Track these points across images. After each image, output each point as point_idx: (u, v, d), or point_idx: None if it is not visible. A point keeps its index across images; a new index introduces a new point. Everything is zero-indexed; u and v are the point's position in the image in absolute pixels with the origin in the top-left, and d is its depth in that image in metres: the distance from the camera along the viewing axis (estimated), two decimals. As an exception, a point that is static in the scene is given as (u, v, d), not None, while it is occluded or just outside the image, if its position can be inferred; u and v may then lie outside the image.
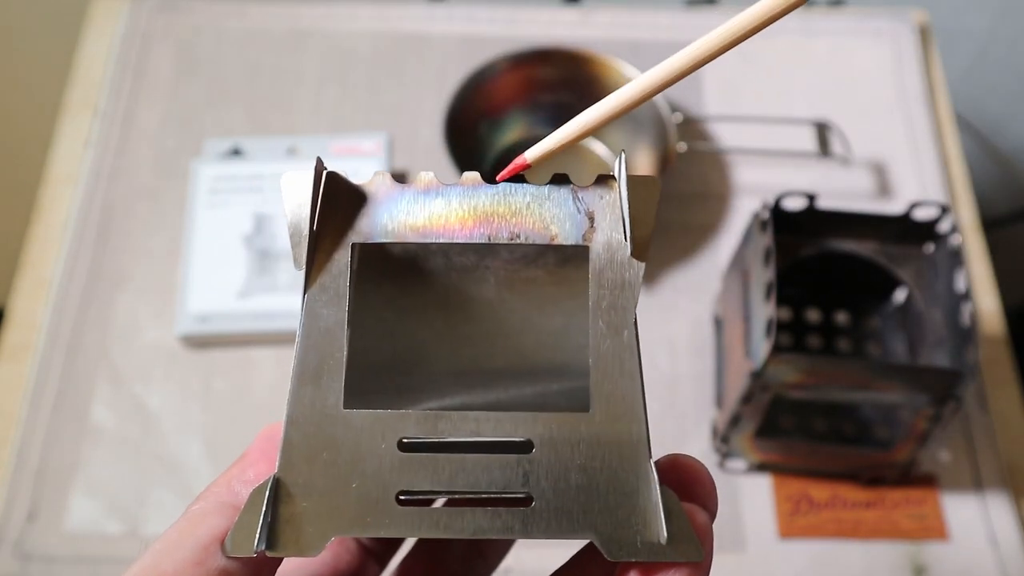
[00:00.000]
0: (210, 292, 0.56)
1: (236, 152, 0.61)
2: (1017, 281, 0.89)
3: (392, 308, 0.24)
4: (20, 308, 0.57)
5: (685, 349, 0.57)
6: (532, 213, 0.22)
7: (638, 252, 0.21)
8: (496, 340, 0.25)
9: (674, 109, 0.61)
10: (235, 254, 0.57)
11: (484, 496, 0.19)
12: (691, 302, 0.58)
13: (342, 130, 0.64)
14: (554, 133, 0.23)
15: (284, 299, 0.56)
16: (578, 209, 0.22)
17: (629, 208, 0.21)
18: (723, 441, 0.51)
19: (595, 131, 0.23)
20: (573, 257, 0.22)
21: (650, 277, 0.59)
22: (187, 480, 0.52)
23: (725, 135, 0.64)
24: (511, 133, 0.64)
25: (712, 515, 0.20)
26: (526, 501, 0.19)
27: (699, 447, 0.53)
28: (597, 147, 0.64)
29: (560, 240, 0.21)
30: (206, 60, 0.67)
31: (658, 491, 0.19)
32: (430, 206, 0.22)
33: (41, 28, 0.83)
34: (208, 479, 0.52)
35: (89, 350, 0.56)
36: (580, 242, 0.21)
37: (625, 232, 0.21)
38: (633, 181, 0.22)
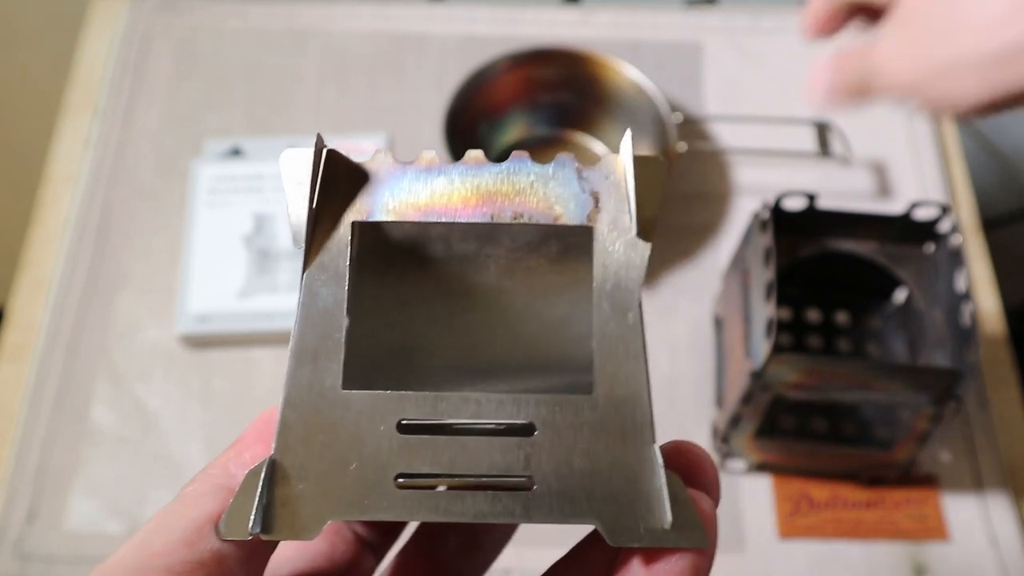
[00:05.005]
0: (210, 292, 0.56)
1: (236, 152, 0.61)
2: (1017, 281, 0.89)
3: (392, 297, 0.24)
4: (20, 308, 0.57)
5: (685, 349, 0.57)
6: (536, 192, 0.21)
7: (643, 232, 0.21)
8: (497, 329, 0.24)
9: (674, 109, 0.61)
10: (235, 254, 0.57)
11: (484, 479, 0.19)
12: (691, 302, 0.58)
13: (342, 130, 0.64)
14: None
15: (284, 299, 0.56)
16: (582, 189, 0.21)
17: (635, 188, 0.21)
18: (723, 441, 0.51)
19: None
20: (575, 246, 0.22)
21: (650, 277, 0.59)
22: (187, 480, 0.52)
23: (725, 135, 0.64)
24: (511, 133, 0.64)
25: (715, 503, 0.20)
26: (527, 485, 0.19)
27: (699, 447, 0.53)
28: (596, 146, 0.64)
29: (564, 220, 0.21)
30: (206, 60, 0.67)
31: (663, 476, 0.19)
32: (432, 184, 0.21)
33: (41, 28, 0.83)
34: (208, 479, 0.52)
35: (89, 350, 0.56)
36: (584, 222, 0.21)
37: (630, 212, 0.21)
38: (638, 161, 0.21)
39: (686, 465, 0.20)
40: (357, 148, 0.60)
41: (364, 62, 0.67)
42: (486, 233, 0.22)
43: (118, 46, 0.67)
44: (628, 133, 0.22)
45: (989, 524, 0.51)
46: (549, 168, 0.21)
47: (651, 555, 0.19)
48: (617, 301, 0.20)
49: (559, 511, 0.19)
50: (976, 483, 0.52)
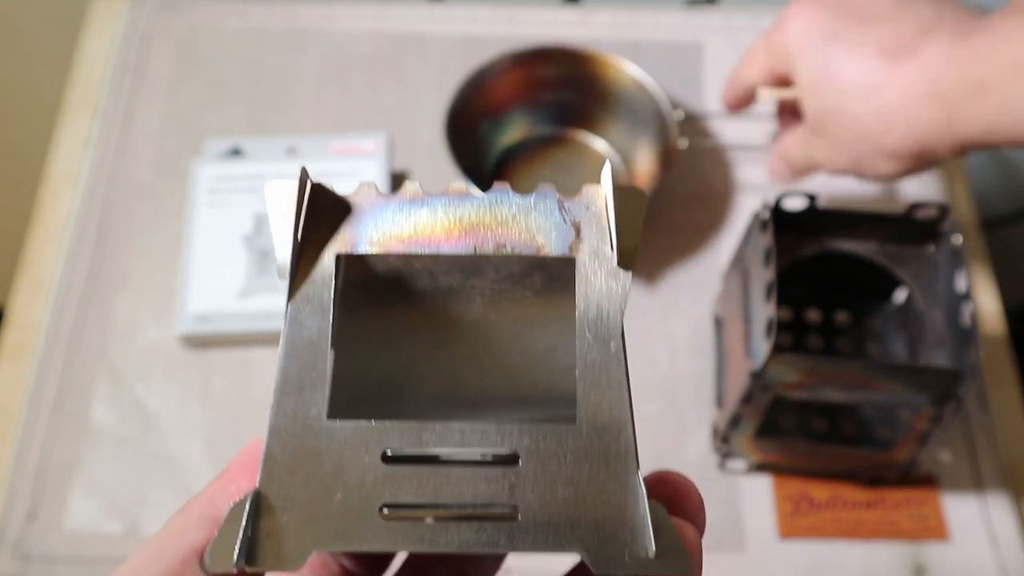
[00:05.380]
0: (210, 292, 0.56)
1: (236, 152, 0.61)
2: (1017, 281, 0.89)
3: (379, 330, 0.24)
4: (20, 308, 0.57)
5: (685, 349, 0.57)
6: (518, 224, 0.21)
7: (625, 262, 0.21)
8: (483, 361, 0.24)
9: (675, 106, 0.61)
10: (235, 254, 0.57)
11: (469, 509, 0.19)
12: (691, 302, 0.58)
13: (342, 130, 0.64)
14: None
15: (284, 299, 0.55)
16: (564, 220, 0.22)
17: (615, 219, 0.21)
18: (723, 441, 0.51)
19: None
20: (559, 277, 0.22)
21: (650, 277, 0.59)
22: (187, 480, 0.52)
23: (726, 135, 0.64)
24: (512, 133, 0.64)
25: (700, 532, 0.20)
26: (512, 514, 0.19)
27: (699, 447, 0.53)
28: (598, 143, 0.64)
29: (546, 251, 0.21)
30: (206, 60, 0.67)
31: (646, 504, 0.19)
32: (415, 216, 0.22)
33: (41, 28, 0.83)
34: (208, 479, 0.52)
35: (89, 350, 0.56)
36: (566, 253, 0.21)
37: (611, 243, 0.21)
38: (619, 192, 0.21)
39: (671, 494, 0.20)
40: (357, 148, 0.60)
41: (364, 62, 0.67)
42: (471, 265, 0.22)
43: (118, 46, 0.67)
44: (608, 164, 0.22)
45: (989, 524, 0.51)
46: (531, 199, 0.22)
47: None
48: (599, 330, 0.21)
49: (544, 540, 0.19)
50: (976, 483, 0.52)
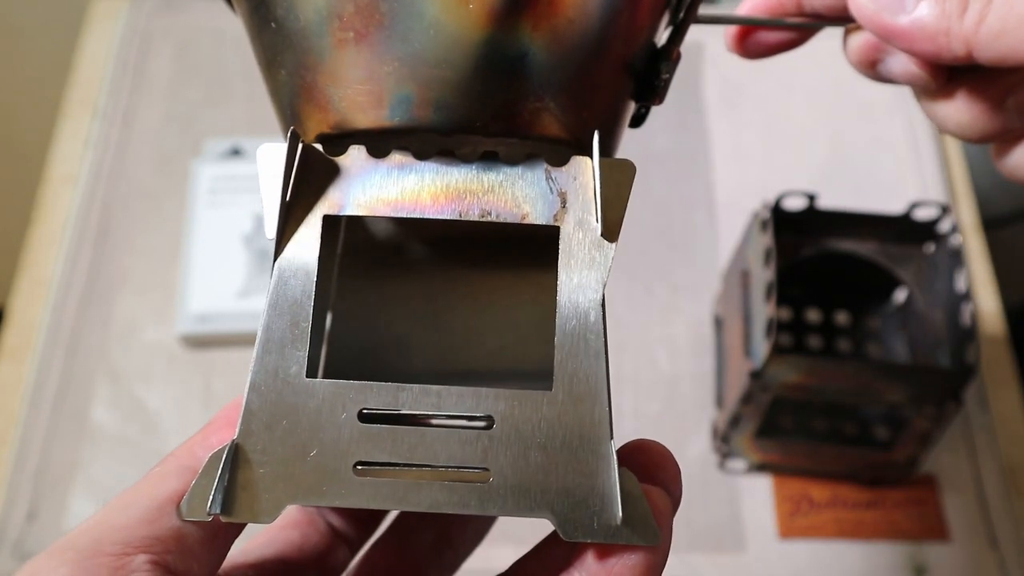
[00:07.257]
0: (210, 292, 0.56)
1: (236, 152, 0.61)
2: (1017, 281, 0.89)
3: (378, 295, 0.24)
4: (20, 308, 0.57)
5: (685, 349, 0.57)
6: (504, 191, 0.22)
7: (609, 234, 0.21)
8: (478, 334, 0.25)
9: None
10: (235, 254, 0.57)
11: (442, 470, 0.19)
12: (691, 302, 0.58)
13: (342, 130, 0.64)
14: None
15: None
16: (551, 189, 0.22)
17: (601, 190, 0.21)
18: (723, 441, 0.51)
19: None
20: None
21: (650, 277, 0.59)
22: (187, 480, 0.52)
23: (726, 133, 0.64)
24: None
25: (675, 500, 0.20)
26: (484, 477, 0.19)
27: (699, 447, 0.53)
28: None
29: (531, 219, 0.21)
30: (206, 60, 0.67)
31: (616, 473, 0.19)
32: (403, 181, 0.22)
33: (41, 28, 0.83)
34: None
35: (89, 350, 0.56)
36: (551, 222, 0.21)
37: (596, 214, 0.21)
38: (606, 163, 0.21)
39: (647, 463, 0.20)
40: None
41: (364, 62, 0.67)
42: (474, 234, 0.23)
43: (118, 46, 0.67)
44: (596, 134, 0.22)
45: (989, 524, 0.51)
46: (518, 168, 0.22)
47: (602, 551, 0.19)
48: (580, 300, 0.21)
49: (514, 504, 0.19)
50: (976, 483, 0.52)
